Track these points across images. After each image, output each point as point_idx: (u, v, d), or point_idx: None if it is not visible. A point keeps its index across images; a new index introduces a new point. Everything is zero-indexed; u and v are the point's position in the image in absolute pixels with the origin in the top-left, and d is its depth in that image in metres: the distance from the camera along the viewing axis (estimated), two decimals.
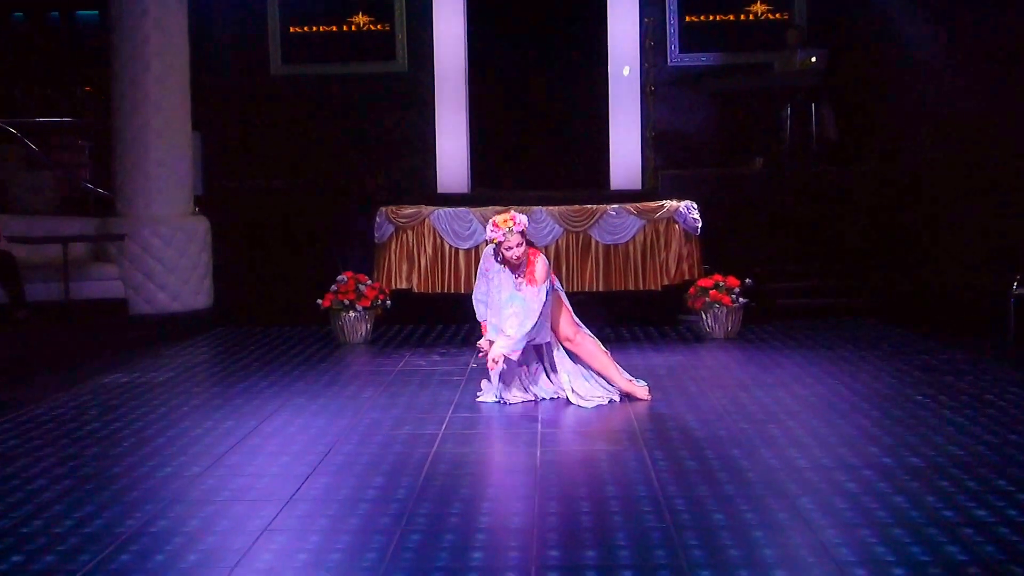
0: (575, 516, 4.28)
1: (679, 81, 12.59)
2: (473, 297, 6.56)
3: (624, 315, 9.67)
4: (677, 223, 9.56)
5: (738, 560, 3.76)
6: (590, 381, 6.46)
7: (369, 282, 9.03)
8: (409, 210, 9.76)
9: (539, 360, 6.53)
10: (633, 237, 9.57)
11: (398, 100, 12.66)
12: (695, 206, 9.63)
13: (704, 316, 8.85)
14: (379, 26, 12.78)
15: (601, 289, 9.57)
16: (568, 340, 6.45)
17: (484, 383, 6.66)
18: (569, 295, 6.71)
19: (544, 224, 9.48)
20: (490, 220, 6.30)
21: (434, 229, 9.60)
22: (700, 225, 9.59)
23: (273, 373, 7.53)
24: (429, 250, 9.61)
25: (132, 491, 4.71)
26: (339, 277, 8.98)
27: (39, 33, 14.26)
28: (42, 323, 8.97)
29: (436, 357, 8.16)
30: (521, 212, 6.62)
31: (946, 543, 3.88)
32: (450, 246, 9.58)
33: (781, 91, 11.91)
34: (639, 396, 6.44)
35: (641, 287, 9.59)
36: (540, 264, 6.31)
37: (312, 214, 11.46)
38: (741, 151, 12.20)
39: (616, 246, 9.58)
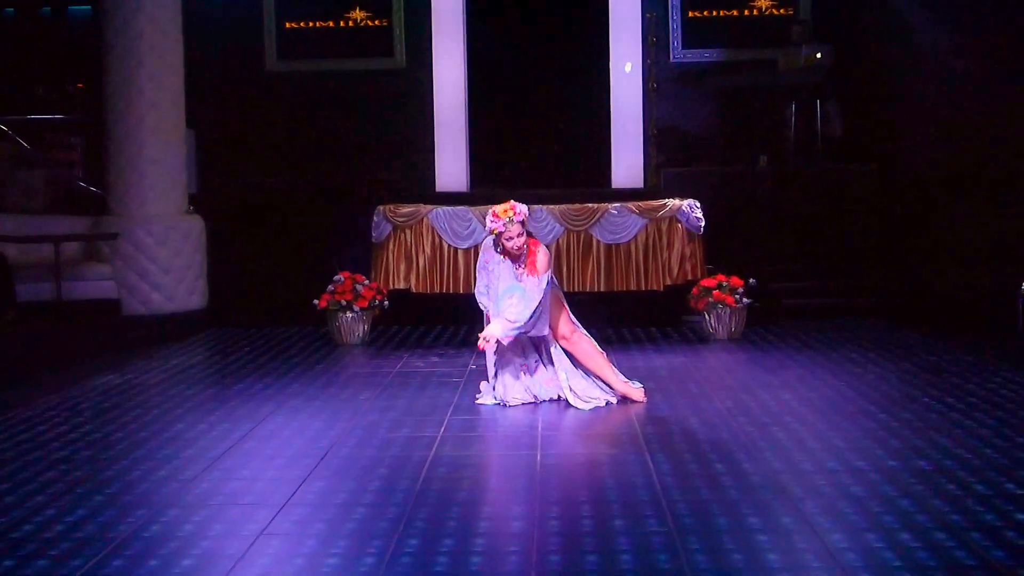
0: (576, 520, 4.28)
1: (682, 78, 12.59)
2: (476, 293, 6.56)
3: (626, 316, 9.67)
4: (680, 222, 9.56)
5: (742, 565, 3.76)
6: (587, 379, 6.47)
7: (366, 282, 9.04)
8: (407, 209, 9.76)
9: (537, 354, 6.52)
10: (635, 236, 9.56)
11: (396, 97, 12.65)
12: (698, 205, 9.62)
13: (707, 317, 8.85)
14: (376, 21, 12.77)
15: (602, 289, 9.57)
16: (564, 339, 6.45)
17: (483, 385, 6.66)
18: (570, 295, 6.73)
19: (544, 223, 9.47)
20: (489, 210, 6.31)
21: (432, 228, 9.60)
22: (703, 224, 9.59)
23: (269, 375, 7.53)
24: (427, 250, 9.61)
25: (125, 495, 4.71)
26: (336, 277, 8.98)
27: (31, 29, 14.25)
28: (34, 324, 8.96)
29: (435, 358, 8.16)
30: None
31: (954, 548, 3.88)
32: (449, 245, 9.57)
33: (786, 88, 11.91)
34: (635, 398, 6.45)
35: (643, 287, 9.58)
36: (541, 254, 6.32)
37: (308, 213, 11.46)
38: (745, 149, 12.19)
39: (618, 245, 9.57)
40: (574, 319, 6.53)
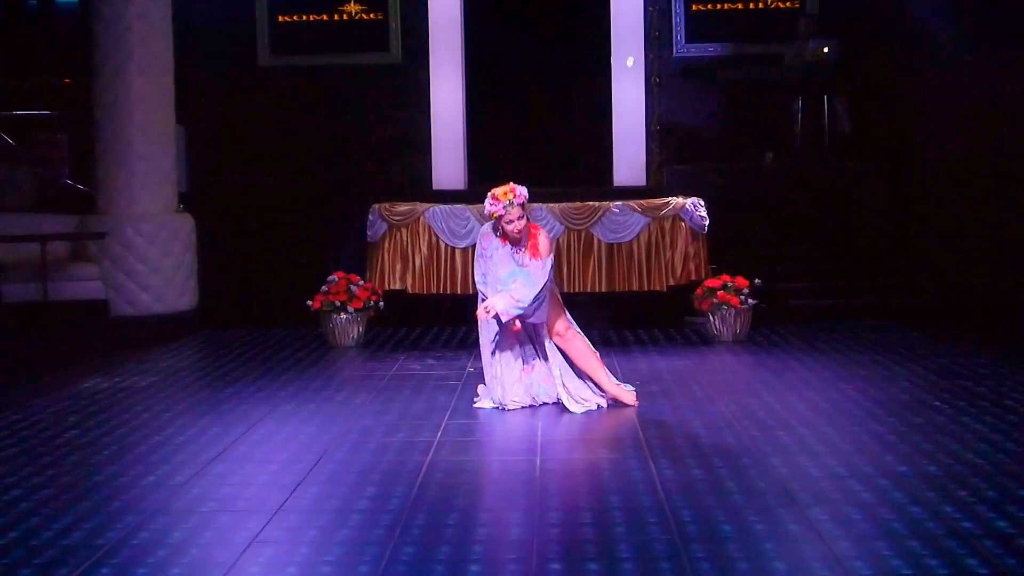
0: (577, 527, 4.28)
1: (685, 72, 12.59)
2: (476, 282, 6.53)
3: (627, 317, 9.67)
4: (683, 221, 9.56)
5: (747, 574, 3.76)
6: (579, 379, 6.48)
7: (361, 282, 9.04)
8: (403, 207, 9.76)
9: (534, 350, 6.49)
10: (637, 235, 9.56)
11: (392, 92, 12.66)
12: (702, 203, 9.63)
13: (711, 318, 8.85)
14: (372, 15, 12.77)
15: (604, 290, 9.58)
16: (559, 335, 6.45)
17: (481, 388, 6.66)
18: (570, 296, 6.73)
19: (544, 222, 9.48)
20: (489, 193, 6.30)
21: (429, 227, 9.60)
22: (707, 223, 9.59)
23: (261, 378, 7.53)
24: (424, 249, 9.61)
25: (113, 501, 4.71)
26: (330, 277, 8.98)
27: (15, 21, 14.24)
28: (19, 325, 8.96)
29: (431, 361, 8.16)
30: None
31: (965, 555, 3.87)
32: (446, 245, 9.58)
33: (792, 83, 11.92)
34: (626, 401, 6.45)
35: (645, 288, 9.59)
36: (543, 238, 6.33)
37: (301, 212, 11.47)
38: (750, 146, 12.20)
39: (619, 245, 9.57)
40: (570, 317, 6.53)
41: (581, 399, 6.40)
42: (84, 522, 4.42)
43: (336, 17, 12.82)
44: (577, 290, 9.39)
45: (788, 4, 12.61)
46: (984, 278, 9.70)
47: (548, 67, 12.85)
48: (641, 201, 9.88)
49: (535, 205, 9.63)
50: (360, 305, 8.85)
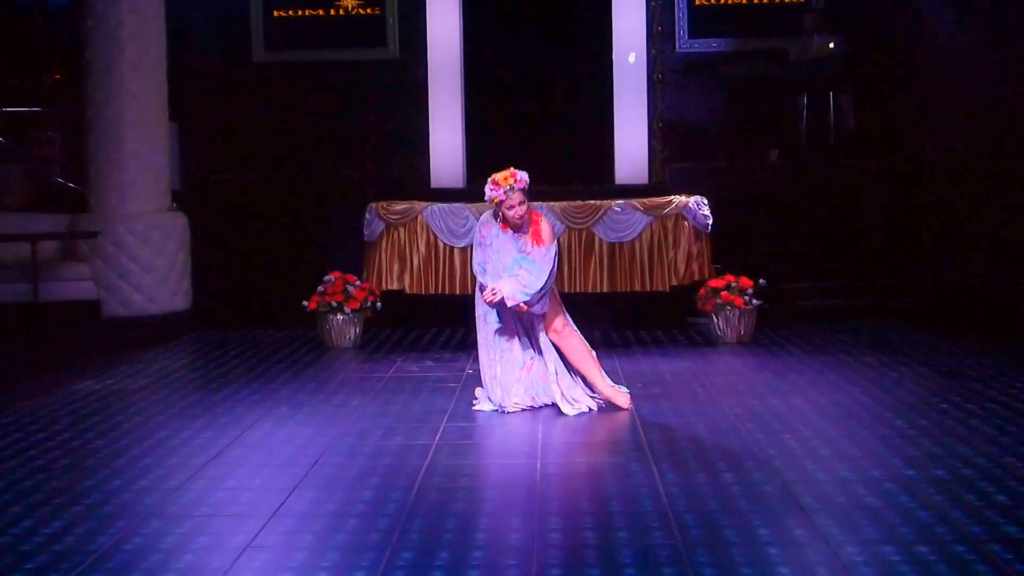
0: (578, 532, 4.28)
1: (689, 68, 12.59)
2: (473, 270, 6.52)
3: (630, 318, 9.67)
4: (686, 220, 9.56)
5: None
6: (571, 378, 6.49)
7: (358, 283, 9.03)
8: (401, 206, 9.76)
9: (528, 338, 6.48)
10: (639, 235, 9.56)
11: (389, 89, 12.66)
12: (705, 201, 9.63)
13: (715, 319, 8.85)
14: (368, 10, 12.78)
15: (605, 290, 9.57)
16: (556, 332, 6.44)
17: (478, 391, 6.66)
18: (571, 296, 6.74)
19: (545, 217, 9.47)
20: (489, 178, 6.31)
21: (427, 226, 9.60)
22: (711, 222, 9.59)
23: (256, 380, 7.53)
24: (422, 248, 9.61)
25: (105, 505, 4.71)
26: (326, 277, 8.98)
27: (5, 16, 14.23)
28: (10, 326, 8.96)
29: (429, 363, 8.16)
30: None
31: (974, 561, 3.88)
32: (444, 244, 9.58)
33: (797, 79, 11.92)
34: (620, 404, 6.45)
35: (648, 288, 9.58)
36: (545, 224, 6.35)
37: (297, 210, 11.45)
38: (755, 143, 12.20)
39: (621, 244, 9.57)
40: (567, 315, 6.53)
41: (572, 399, 6.41)
42: (75, 527, 4.42)
43: (332, 12, 12.83)
44: (578, 290, 9.38)
45: None
46: (993, 278, 9.70)
47: (548, 62, 12.85)
48: (643, 200, 9.88)
49: (535, 204, 9.63)
50: (357, 306, 8.84)
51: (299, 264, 10.58)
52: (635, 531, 4.26)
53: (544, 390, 6.47)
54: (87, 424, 6.26)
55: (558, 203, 9.71)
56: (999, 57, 10.11)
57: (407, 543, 4.16)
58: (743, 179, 11.48)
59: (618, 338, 9.06)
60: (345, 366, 8.15)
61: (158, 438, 5.90)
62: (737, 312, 8.80)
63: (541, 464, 5.31)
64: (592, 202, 9.75)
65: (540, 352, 6.48)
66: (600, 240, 9.57)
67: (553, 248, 6.31)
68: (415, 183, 12.20)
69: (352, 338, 8.89)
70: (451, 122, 12.67)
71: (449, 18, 12.64)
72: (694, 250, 9.56)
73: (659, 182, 11.92)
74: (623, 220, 9.58)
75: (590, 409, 6.41)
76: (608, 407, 6.44)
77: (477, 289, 6.55)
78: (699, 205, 9.58)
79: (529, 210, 6.33)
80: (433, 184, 12.42)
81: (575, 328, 6.54)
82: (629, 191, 11.11)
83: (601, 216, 9.58)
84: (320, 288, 8.90)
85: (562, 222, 9.55)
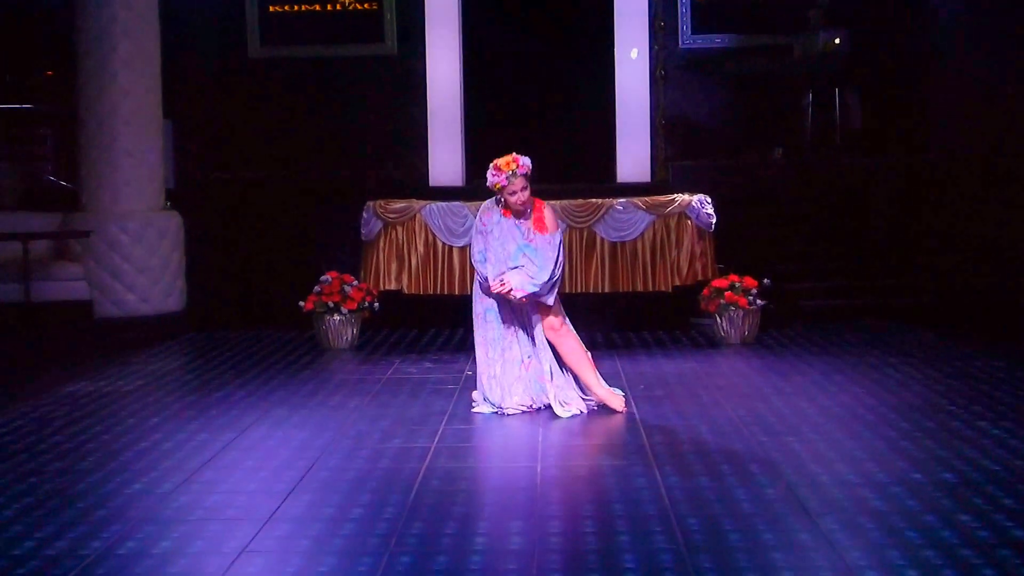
0: (579, 536, 4.28)
1: (692, 65, 12.59)
2: (472, 260, 6.50)
3: (631, 318, 9.67)
4: (689, 218, 9.56)
5: None
6: (565, 378, 6.49)
7: (355, 283, 9.03)
8: (399, 205, 9.76)
9: (526, 333, 6.47)
10: (642, 234, 9.56)
11: (387, 85, 12.66)
12: (709, 200, 9.63)
13: (719, 319, 8.85)
14: (366, 5, 12.77)
15: (607, 290, 9.57)
16: (553, 329, 6.44)
17: (475, 393, 6.66)
18: (572, 296, 6.73)
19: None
20: (491, 164, 6.32)
21: (426, 225, 9.60)
22: (714, 221, 9.59)
23: (252, 382, 7.53)
24: (420, 248, 9.61)
25: (98, 509, 4.71)
26: (323, 277, 8.98)
27: None
28: (0, 327, 8.96)
29: (428, 364, 8.16)
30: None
31: (981, 566, 3.88)
32: (443, 243, 9.58)
33: (802, 76, 11.93)
34: (614, 407, 6.44)
35: (650, 288, 9.58)
36: (548, 211, 6.36)
37: (293, 209, 11.45)
38: (759, 140, 12.21)
39: (623, 244, 9.57)
40: (564, 314, 6.53)
41: (563, 402, 6.41)
42: (68, 531, 4.42)
43: (329, 7, 12.82)
44: (579, 290, 9.38)
45: None
46: (1001, 277, 9.71)
47: (549, 58, 12.85)
48: (646, 198, 9.89)
49: None
50: (354, 306, 8.84)
51: (296, 264, 10.59)
52: (637, 535, 4.27)
53: (543, 390, 6.48)
54: (80, 427, 6.26)
55: (559, 202, 9.68)
56: (993, 58, 10.13)
57: (405, 547, 4.16)
58: (747, 177, 11.49)
59: (620, 339, 9.06)
60: (342, 367, 8.16)
61: (152, 441, 5.91)
62: (741, 313, 8.80)
63: (541, 467, 5.31)
64: (593, 201, 9.75)
65: (536, 351, 6.48)
66: (602, 239, 9.57)
67: (558, 235, 6.32)
68: (414, 181, 12.20)
69: (349, 339, 8.89)
70: (450, 119, 12.67)
71: (448, 13, 12.64)
72: (697, 249, 9.56)
73: (661, 180, 11.92)
74: (625, 219, 9.58)
75: (581, 412, 6.41)
76: (601, 409, 6.44)
77: (475, 288, 6.55)
78: (702, 204, 9.58)
79: (531, 196, 6.34)
80: (432, 182, 12.42)
81: (572, 328, 6.54)
82: (631, 189, 11.11)
83: (603, 215, 9.58)
84: (317, 288, 8.89)
85: (563, 221, 9.55)
